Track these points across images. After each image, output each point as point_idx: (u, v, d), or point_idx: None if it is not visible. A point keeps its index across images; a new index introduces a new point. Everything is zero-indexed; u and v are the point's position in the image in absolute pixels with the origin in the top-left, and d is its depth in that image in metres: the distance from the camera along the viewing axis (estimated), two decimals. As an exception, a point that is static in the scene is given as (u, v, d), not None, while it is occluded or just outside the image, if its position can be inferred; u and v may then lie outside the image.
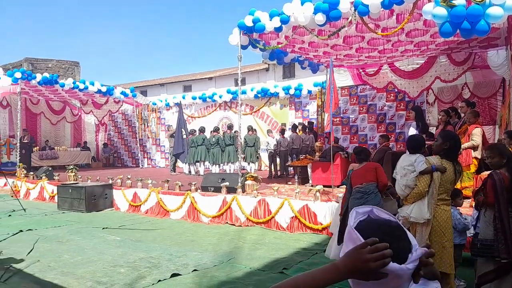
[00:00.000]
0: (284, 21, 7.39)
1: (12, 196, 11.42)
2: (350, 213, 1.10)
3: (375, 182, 4.78)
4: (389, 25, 7.17)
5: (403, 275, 0.97)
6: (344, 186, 8.91)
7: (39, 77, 14.48)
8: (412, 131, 8.28)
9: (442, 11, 5.60)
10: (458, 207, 4.54)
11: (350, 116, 13.15)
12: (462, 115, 7.68)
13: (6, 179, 11.96)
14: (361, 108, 12.94)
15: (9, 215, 9.21)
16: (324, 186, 7.93)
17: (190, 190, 8.83)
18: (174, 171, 14.00)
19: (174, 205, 8.82)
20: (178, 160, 13.83)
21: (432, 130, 8.98)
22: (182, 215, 8.66)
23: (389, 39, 7.94)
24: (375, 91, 12.36)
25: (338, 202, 6.69)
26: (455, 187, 4.12)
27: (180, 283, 4.63)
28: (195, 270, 5.07)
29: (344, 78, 12.15)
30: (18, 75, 13.91)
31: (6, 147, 15.85)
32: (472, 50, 9.02)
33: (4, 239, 6.86)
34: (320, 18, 6.90)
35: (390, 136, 10.89)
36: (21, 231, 7.47)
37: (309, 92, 14.11)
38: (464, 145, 6.45)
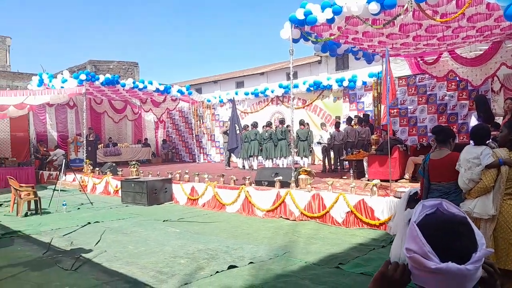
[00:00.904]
0: (337, 12, 7.24)
1: (80, 191, 12.24)
2: (417, 206, 1.07)
3: (456, 180, 3.94)
4: (449, 10, 6.78)
5: (463, 276, 0.93)
6: (406, 179, 8.66)
7: (102, 78, 15.34)
8: (474, 121, 7.81)
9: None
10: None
11: (409, 107, 12.64)
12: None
13: (75, 175, 12.83)
14: (420, 99, 12.38)
15: (78, 208, 9.89)
16: (381, 180, 7.70)
17: (245, 184, 8.96)
18: (229, 166, 14.27)
19: (230, 199, 9.01)
20: (232, 155, 14.07)
21: (499, 120, 8.40)
22: (237, 208, 8.83)
23: (449, 25, 7.51)
24: (434, 80, 11.77)
25: (397, 197, 6.48)
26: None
27: (237, 275, 4.74)
28: (251, 262, 5.16)
29: (401, 68, 11.68)
30: (83, 77, 14.80)
31: (73, 145, 17.00)
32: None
33: (74, 231, 7.39)
34: (374, 7, 6.68)
35: (451, 127, 10.32)
36: (89, 223, 8.00)
37: (364, 83, 13.72)
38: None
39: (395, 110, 12.69)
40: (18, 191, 9.32)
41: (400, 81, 12.60)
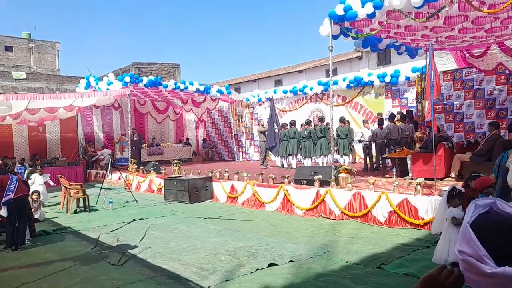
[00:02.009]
0: (378, 6, 7.05)
1: (125, 189, 12.69)
2: (469, 206, 1.02)
3: None
4: (497, 1, 6.42)
5: None
6: (451, 177, 8.32)
7: (145, 80, 15.83)
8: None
9: None
10: None
11: (455, 102, 12.12)
12: None
13: (120, 173, 13.32)
14: (467, 94, 11.84)
15: (124, 206, 10.27)
16: (426, 179, 7.44)
17: (284, 183, 8.95)
18: (264, 165, 14.16)
19: (269, 197, 9.03)
20: (268, 153, 14.06)
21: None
22: (277, 207, 8.83)
23: (497, 16, 7.11)
24: (482, 74, 11.22)
25: (442, 196, 6.25)
26: None
27: (277, 273, 4.75)
28: (291, 261, 5.15)
29: (446, 62, 11.21)
30: (127, 79, 15.33)
31: (119, 145, 17.67)
32: None
33: (120, 227, 7.68)
34: (417, 0, 6.46)
35: (501, 123, 9.79)
36: (134, 220, 8.30)
37: (407, 78, 13.29)
38: None
39: (440, 106, 12.22)
40: (68, 189, 9.82)
41: (445, 76, 12.11)
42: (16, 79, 29.11)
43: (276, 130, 12.21)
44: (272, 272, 4.79)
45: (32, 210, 8.39)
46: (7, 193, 6.27)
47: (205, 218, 8.19)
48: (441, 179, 8.23)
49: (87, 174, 16.55)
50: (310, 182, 8.54)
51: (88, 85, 16.39)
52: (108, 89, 15.45)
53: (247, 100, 19.15)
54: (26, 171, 11.84)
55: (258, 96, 18.80)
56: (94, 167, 16.89)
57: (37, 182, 9.98)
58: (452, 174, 8.45)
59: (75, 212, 9.50)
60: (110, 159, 13.23)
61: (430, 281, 1.01)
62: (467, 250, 0.94)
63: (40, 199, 8.72)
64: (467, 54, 10.45)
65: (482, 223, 0.96)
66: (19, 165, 13.14)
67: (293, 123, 13.83)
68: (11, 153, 15.30)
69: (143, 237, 6.75)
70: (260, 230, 7.09)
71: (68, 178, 11.46)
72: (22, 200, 6.51)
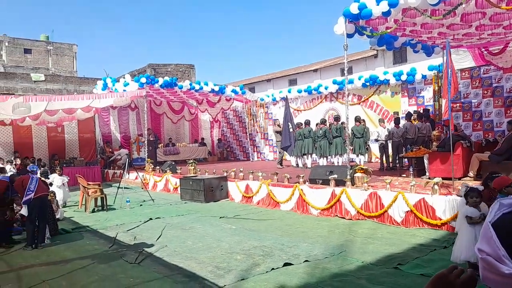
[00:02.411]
0: (393, 4, 6.98)
1: (142, 188, 12.85)
2: (493, 205, 1.00)
3: None
4: (517, -4, 6.30)
5: None
6: (470, 177, 8.18)
7: (161, 81, 15.99)
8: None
9: None
10: None
11: (473, 100, 11.91)
12: None
13: (137, 173, 13.49)
14: (485, 92, 11.62)
15: (140, 205, 10.40)
16: (443, 178, 7.34)
17: (299, 182, 8.93)
18: (281, 165, 14.22)
19: (284, 196, 9.03)
20: (284, 153, 14.04)
21: None
22: (292, 206, 8.82)
23: (517, 11, 6.97)
24: (501, 72, 10.98)
25: (460, 196, 6.15)
26: None
27: (292, 272, 4.75)
28: (306, 260, 5.14)
29: (463, 60, 11.03)
30: (143, 80, 15.51)
31: (136, 145, 17.89)
32: None
33: (137, 226, 7.78)
34: (434, -4, 6.37)
35: (522, 122, 9.57)
36: (150, 219, 8.40)
37: (424, 77, 13.11)
38: None
39: (457, 104, 12.02)
40: (86, 188, 10.00)
41: (463, 74, 11.91)
42: (35, 81, 29.72)
43: (291, 130, 12.18)
44: (287, 271, 4.79)
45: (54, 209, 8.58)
46: (28, 193, 6.43)
47: (220, 218, 8.24)
48: (459, 179, 8.10)
49: (104, 174, 16.79)
50: (326, 182, 8.51)
51: (105, 87, 16.65)
52: (124, 90, 15.66)
53: (262, 100, 19.16)
54: (39, 171, 11.94)
55: (272, 95, 18.79)
56: (111, 167, 17.14)
57: (55, 183, 10.01)
58: (471, 174, 8.31)
59: (93, 211, 9.66)
60: (127, 159, 13.41)
61: (439, 281, 1.00)
62: (487, 249, 0.93)
63: (56, 199, 8.85)
64: (485, 52, 10.25)
65: (505, 223, 0.95)
66: (31, 164, 13.37)
67: (307, 123, 13.79)
68: (31, 153, 15.64)
69: (159, 236, 6.83)
70: (275, 229, 7.10)
71: (86, 178, 11.67)
72: (42, 200, 6.66)
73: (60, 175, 10.38)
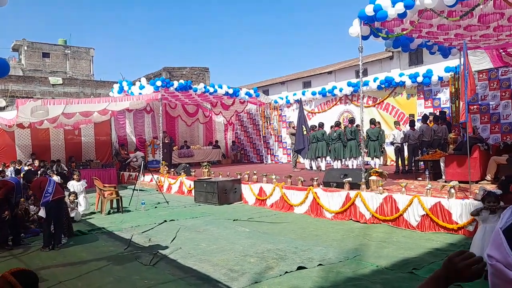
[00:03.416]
0: (409, 5, 6.92)
1: (157, 190, 12.95)
2: (505, 210, 1.00)
3: None
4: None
5: None
6: (487, 181, 8.03)
7: (176, 84, 16.13)
8: None
9: None
10: None
11: (490, 103, 11.69)
12: None
13: (152, 175, 13.59)
14: (504, 93, 11.39)
15: (155, 207, 10.48)
16: (460, 182, 7.22)
17: (312, 185, 8.89)
18: (295, 167, 14.21)
19: (297, 199, 8.99)
20: (298, 156, 14.01)
21: None
22: (305, 209, 8.78)
23: (537, 12, 6.83)
24: (520, 73, 10.77)
25: (477, 200, 6.05)
26: None
27: (306, 276, 4.73)
28: (320, 264, 5.11)
29: (481, 61, 10.86)
30: (158, 83, 15.68)
31: (151, 147, 18.07)
32: None
33: (152, 228, 7.85)
34: (450, -2, 6.30)
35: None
36: (165, 221, 8.45)
37: (440, 78, 12.93)
38: None
39: (475, 107, 11.82)
40: (102, 190, 10.13)
41: (480, 75, 11.70)
42: (53, 85, 30.29)
43: (305, 133, 12.15)
44: (301, 275, 4.77)
45: (69, 209, 8.72)
46: (46, 195, 6.55)
47: (234, 220, 8.25)
48: (476, 182, 7.96)
49: (120, 176, 16.99)
50: (340, 185, 8.45)
51: (121, 90, 16.86)
52: (140, 94, 15.84)
53: (276, 102, 19.15)
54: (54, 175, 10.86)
55: (286, 98, 18.76)
56: (127, 169, 17.33)
57: (76, 191, 9.25)
58: (488, 177, 8.16)
59: (108, 213, 9.78)
60: (143, 161, 13.54)
61: (447, 262, 1.07)
62: (496, 255, 0.92)
63: (76, 200, 8.98)
64: (503, 53, 10.08)
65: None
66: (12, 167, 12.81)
67: (321, 125, 13.73)
68: (49, 155, 15.94)
69: (174, 238, 6.87)
70: (288, 232, 7.08)
71: (102, 180, 11.80)
72: (59, 202, 6.78)
73: (78, 180, 9.73)
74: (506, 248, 0.90)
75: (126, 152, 18.18)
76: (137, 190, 11.08)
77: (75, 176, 9.87)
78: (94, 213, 9.94)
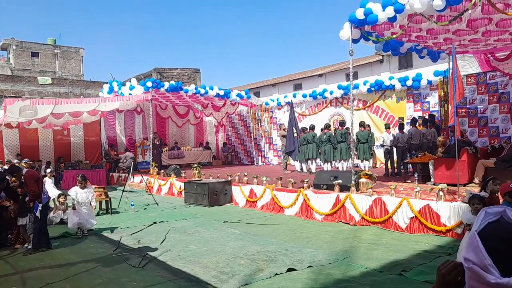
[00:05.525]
0: (399, 10, 6.99)
1: (146, 192, 12.88)
2: (479, 213, 1.02)
3: None
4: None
5: None
6: (475, 183, 8.13)
7: (166, 85, 16.07)
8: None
9: None
10: None
11: (478, 106, 11.86)
12: None
13: (142, 177, 13.53)
14: (491, 97, 11.57)
15: (145, 208, 10.42)
16: (448, 184, 7.31)
17: (303, 187, 8.92)
18: (286, 169, 14.25)
19: (288, 201, 9.01)
20: (288, 158, 14.04)
21: None
22: (296, 211, 8.80)
23: (524, 18, 6.94)
24: (507, 78, 10.95)
25: (465, 203, 6.12)
26: None
27: (296, 278, 4.74)
28: (310, 266, 5.13)
29: (469, 65, 11.00)
30: (149, 84, 15.60)
31: (141, 148, 17.96)
32: None
33: (141, 230, 7.79)
34: (439, 3, 6.36)
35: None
36: (154, 222, 8.40)
37: (429, 82, 13.08)
38: None
39: (463, 110, 11.98)
40: (91, 191, 10.01)
41: (469, 79, 11.87)
42: (41, 84, 29.96)
43: (295, 135, 12.19)
44: (291, 277, 4.78)
45: (60, 211, 8.59)
46: (44, 196, 6.48)
47: (224, 222, 8.23)
48: (464, 185, 8.06)
49: (109, 177, 16.85)
50: (330, 187, 8.49)
51: (111, 90, 16.75)
52: (130, 94, 15.75)
53: (267, 104, 19.18)
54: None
55: (277, 100, 18.81)
56: (116, 170, 17.20)
57: (79, 200, 7.50)
58: (476, 180, 8.27)
59: (97, 214, 9.67)
60: (132, 163, 13.45)
61: (437, 270, 1.14)
62: (473, 258, 0.93)
63: (66, 201, 8.75)
64: (491, 57, 10.23)
65: (490, 231, 0.95)
66: None
67: (312, 128, 13.78)
68: (37, 156, 15.76)
69: (163, 240, 6.83)
70: (279, 234, 7.08)
71: (91, 181, 11.67)
72: (47, 204, 6.71)
73: (83, 187, 7.62)
74: (482, 251, 0.91)
75: (116, 153, 18.04)
76: (126, 191, 10.99)
77: (78, 183, 7.67)
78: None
